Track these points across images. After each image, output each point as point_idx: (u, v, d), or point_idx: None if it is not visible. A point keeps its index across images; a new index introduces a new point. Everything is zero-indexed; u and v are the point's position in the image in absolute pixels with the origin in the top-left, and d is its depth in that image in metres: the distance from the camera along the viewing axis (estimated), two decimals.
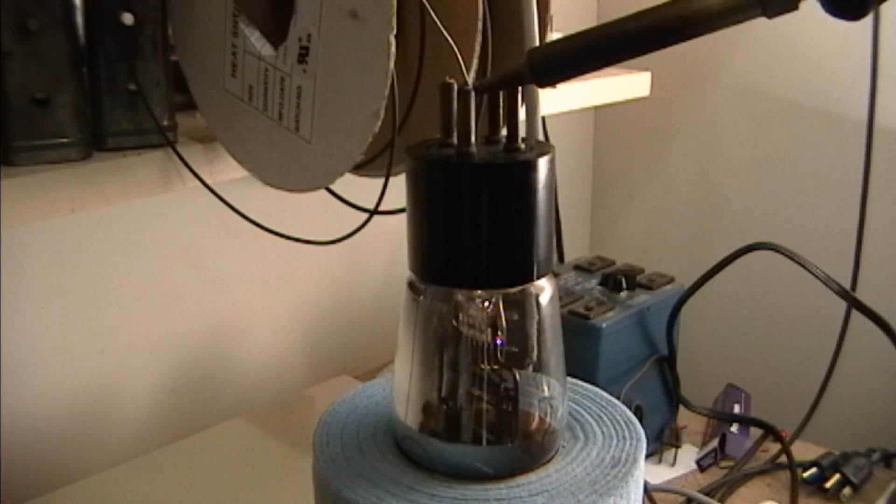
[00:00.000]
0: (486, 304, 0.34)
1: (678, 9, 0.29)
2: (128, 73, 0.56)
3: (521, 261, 0.33)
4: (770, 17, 0.28)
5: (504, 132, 0.34)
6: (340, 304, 0.98)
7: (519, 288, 0.33)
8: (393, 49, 0.47)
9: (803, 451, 0.79)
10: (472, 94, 0.32)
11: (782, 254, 0.77)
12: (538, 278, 0.33)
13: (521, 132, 0.33)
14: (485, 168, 0.32)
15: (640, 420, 0.38)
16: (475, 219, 0.32)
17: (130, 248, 0.78)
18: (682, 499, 0.72)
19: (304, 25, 0.51)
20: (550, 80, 0.32)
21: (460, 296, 0.34)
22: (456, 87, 0.33)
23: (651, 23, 0.30)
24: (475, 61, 0.56)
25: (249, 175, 0.59)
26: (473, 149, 0.32)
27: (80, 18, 0.55)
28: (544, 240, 0.33)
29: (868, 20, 0.98)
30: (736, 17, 0.29)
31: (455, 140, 0.33)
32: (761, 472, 0.77)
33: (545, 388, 0.35)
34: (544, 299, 0.34)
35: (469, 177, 0.32)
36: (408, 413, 0.35)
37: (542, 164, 0.32)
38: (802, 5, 0.30)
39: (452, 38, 0.52)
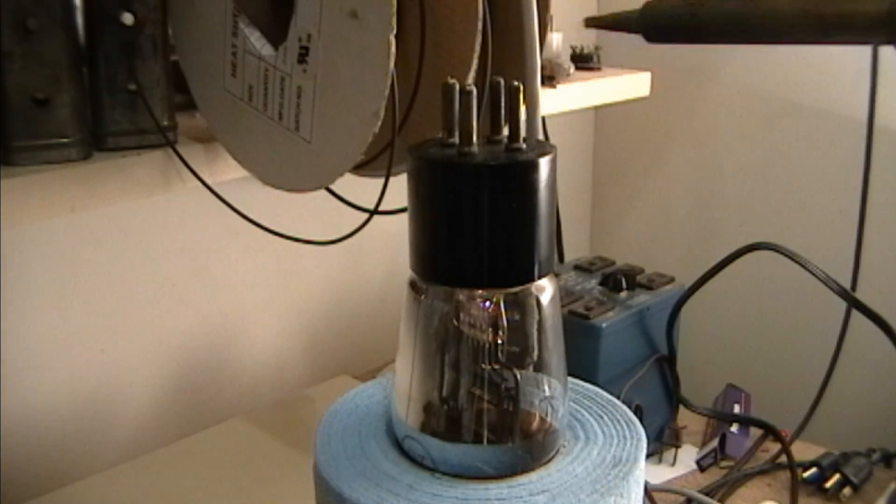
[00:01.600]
0: (488, 303, 0.34)
1: (793, 4, 0.28)
2: (128, 73, 0.56)
3: (522, 261, 0.33)
4: None
5: (505, 132, 0.34)
6: (340, 304, 0.98)
7: (520, 288, 0.33)
8: (393, 49, 0.47)
9: (803, 451, 0.79)
10: (474, 93, 0.32)
11: (782, 254, 0.77)
12: (539, 278, 0.33)
13: (522, 132, 0.33)
14: (486, 168, 0.32)
15: (640, 420, 0.38)
16: (477, 218, 0.32)
17: (130, 248, 0.78)
18: (682, 499, 0.72)
19: (304, 25, 0.51)
20: (655, 38, 0.32)
21: (461, 295, 0.34)
22: (458, 86, 0.32)
23: (764, 12, 0.29)
24: (475, 61, 0.56)
25: (249, 175, 0.59)
26: (475, 148, 0.32)
27: (80, 18, 0.55)
28: (546, 240, 0.33)
29: None
30: (857, 35, 0.28)
31: (457, 140, 0.33)
32: (761, 472, 0.77)
33: (546, 388, 0.35)
34: (545, 299, 0.34)
35: (471, 176, 0.32)
36: (409, 413, 0.35)
37: (544, 163, 0.32)
38: None
39: (452, 39, 0.52)
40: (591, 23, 0.32)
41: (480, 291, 0.34)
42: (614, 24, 0.33)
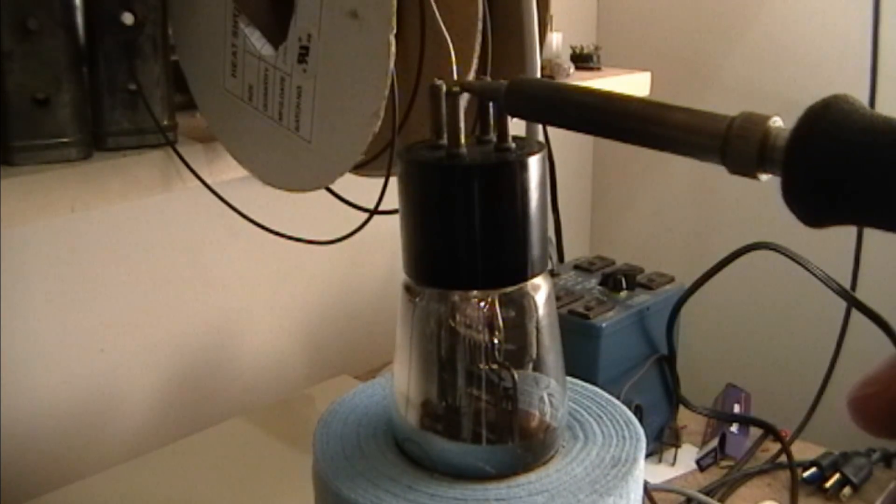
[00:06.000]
0: (483, 304, 0.34)
1: (643, 110, 0.29)
2: (128, 73, 0.56)
3: (515, 260, 0.33)
4: (731, 172, 0.27)
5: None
6: (340, 304, 0.98)
7: (514, 287, 0.33)
8: (393, 49, 0.47)
9: (803, 450, 0.79)
10: (460, 94, 0.32)
11: (782, 254, 0.77)
12: (532, 277, 0.33)
13: (514, 131, 0.33)
14: (475, 169, 0.32)
15: (640, 420, 0.38)
16: (467, 220, 0.32)
17: (130, 248, 0.78)
18: (682, 499, 0.72)
19: (304, 25, 0.51)
20: (516, 114, 0.32)
21: (456, 297, 0.34)
22: (444, 88, 0.32)
23: (616, 110, 0.29)
24: (475, 61, 0.56)
25: (249, 175, 0.59)
26: (463, 150, 0.32)
27: (80, 18, 0.55)
28: (538, 238, 0.33)
29: (868, 19, 0.98)
30: (694, 152, 0.28)
31: (445, 141, 0.33)
32: (761, 472, 0.77)
33: (544, 387, 0.35)
34: (540, 298, 0.34)
35: (459, 178, 0.32)
36: (408, 415, 0.35)
37: (533, 163, 0.32)
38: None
39: (452, 38, 0.52)
40: (465, 86, 0.33)
41: (475, 292, 0.34)
42: (482, 92, 0.33)
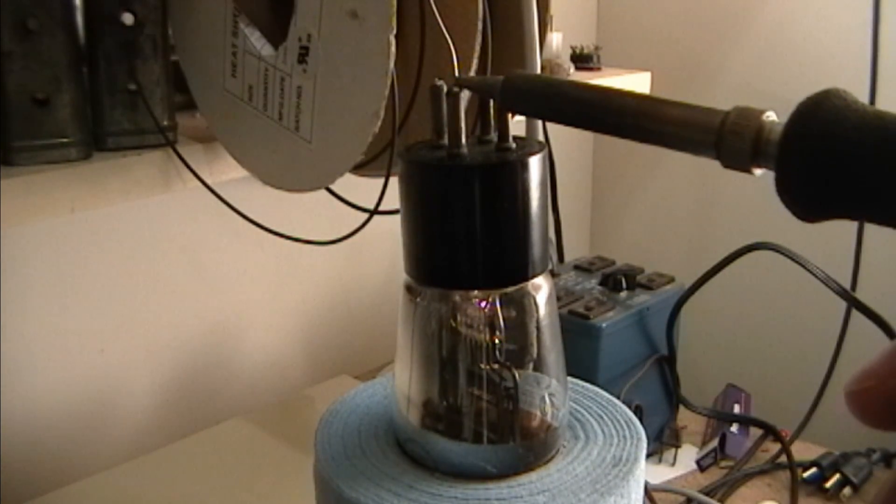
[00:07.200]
0: (484, 304, 0.34)
1: (639, 105, 0.29)
2: (128, 73, 0.56)
3: (516, 260, 0.33)
4: (725, 167, 0.27)
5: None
6: (340, 304, 0.98)
7: (515, 287, 0.33)
8: (393, 49, 0.47)
9: (803, 451, 0.79)
10: (461, 95, 0.32)
11: (782, 254, 0.77)
12: (533, 277, 0.33)
13: (515, 131, 0.33)
14: (476, 169, 0.32)
15: (640, 420, 0.38)
16: (468, 220, 0.32)
17: (130, 248, 0.78)
18: (682, 499, 0.72)
19: (304, 25, 0.51)
20: (512, 110, 0.32)
21: (457, 297, 0.34)
22: (445, 88, 0.32)
23: (612, 105, 0.29)
24: (475, 61, 0.56)
25: (249, 175, 0.59)
26: (464, 150, 0.32)
27: (80, 18, 0.55)
28: (539, 238, 0.33)
29: (868, 18, 0.98)
30: (689, 147, 0.28)
31: (446, 141, 0.33)
32: (761, 472, 0.77)
33: (545, 387, 0.35)
34: (541, 298, 0.34)
35: (460, 178, 0.32)
36: (409, 415, 0.35)
37: (534, 162, 0.32)
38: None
39: (452, 39, 0.52)
40: (462, 82, 0.33)
41: (476, 292, 0.34)
42: (479, 88, 0.33)
